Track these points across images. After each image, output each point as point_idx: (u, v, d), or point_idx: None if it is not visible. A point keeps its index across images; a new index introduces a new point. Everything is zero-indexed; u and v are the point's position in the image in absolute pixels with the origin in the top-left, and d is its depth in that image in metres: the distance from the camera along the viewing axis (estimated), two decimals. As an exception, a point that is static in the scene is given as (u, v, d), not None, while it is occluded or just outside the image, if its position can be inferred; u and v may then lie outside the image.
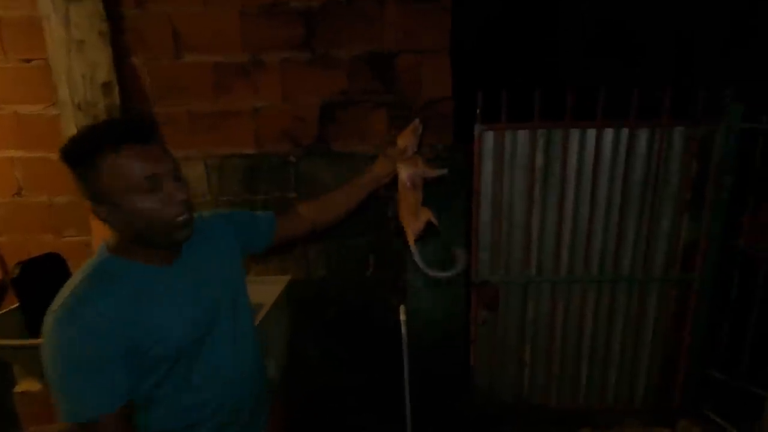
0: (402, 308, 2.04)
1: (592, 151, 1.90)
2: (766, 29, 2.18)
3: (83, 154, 0.77)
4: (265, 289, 1.84)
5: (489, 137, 1.91)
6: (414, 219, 1.24)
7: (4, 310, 1.71)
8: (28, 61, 1.86)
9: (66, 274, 1.84)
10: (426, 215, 1.25)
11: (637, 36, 2.41)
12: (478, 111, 1.86)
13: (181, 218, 0.83)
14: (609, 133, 1.89)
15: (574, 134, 1.90)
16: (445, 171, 1.22)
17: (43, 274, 1.74)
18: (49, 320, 0.78)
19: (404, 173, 1.22)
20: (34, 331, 1.60)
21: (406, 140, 1.21)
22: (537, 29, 2.50)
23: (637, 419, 2.20)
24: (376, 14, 1.80)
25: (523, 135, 1.91)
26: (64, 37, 1.79)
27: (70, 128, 1.87)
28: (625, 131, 1.88)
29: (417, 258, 1.30)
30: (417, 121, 1.21)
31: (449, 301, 2.05)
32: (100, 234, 1.95)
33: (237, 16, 1.80)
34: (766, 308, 1.92)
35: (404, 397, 2.12)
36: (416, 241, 1.28)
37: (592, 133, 1.89)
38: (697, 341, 2.09)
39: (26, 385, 1.82)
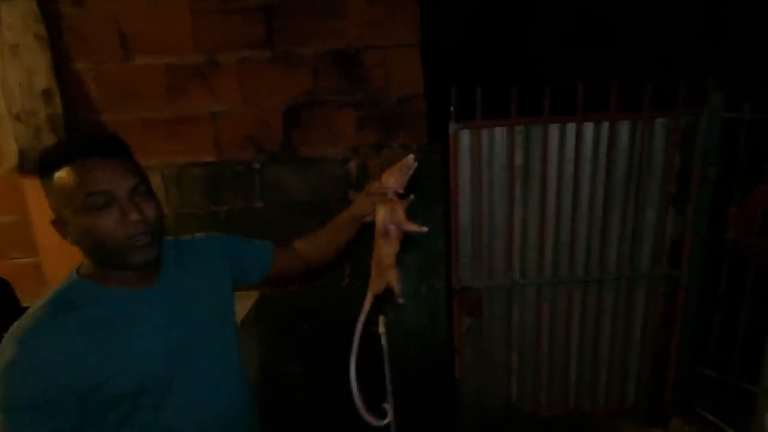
0: (381, 319, 1.93)
1: (573, 147, 1.82)
2: (743, 16, 2.14)
3: (44, 167, 0.75)
4: (232, 308, 1.70)
5: (465, 136, 1.81)
6: (377, 274, 0.99)
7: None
8: (-42, 68, 1.69)
9: (11, 298, 1.68)
10: (388, 276, 0.97)
11: (615, 27, 2.34)
12: (452, 108, 1.75)
13: (135, 240, 0.76)
14: (589, 128, 1.81)
15: (554, 130, 1.81)
16: (425, 229, 0.94)
17: (-16, 300, 1.58)
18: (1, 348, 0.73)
19: (380, 217, 0.97)
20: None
21: (389, 177, 0.96)
22: (512, 22, 2.41)
23: (629, 420, 2.14)
24: (339, 8, 1.68)
25: (500, 132, 1.81)
26: (-4, 41, 1.63)
27: (8, 141, 1.71)
28: (605, 125, 1.81)
29: (357, 333, 1.08)
30: (411, 158, 0.95)
31: (430, 310, 1.95)
32: (48, 255, 1.79)
33: (188, 14, 1.66)
34: (755, 303, 1.87)
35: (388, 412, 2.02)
36: (379, 308, 1.04)
37: (571, 128, 1.80)
38: (687, 338, 2.02)
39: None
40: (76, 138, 0.78)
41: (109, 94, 1.70)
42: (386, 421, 1.05)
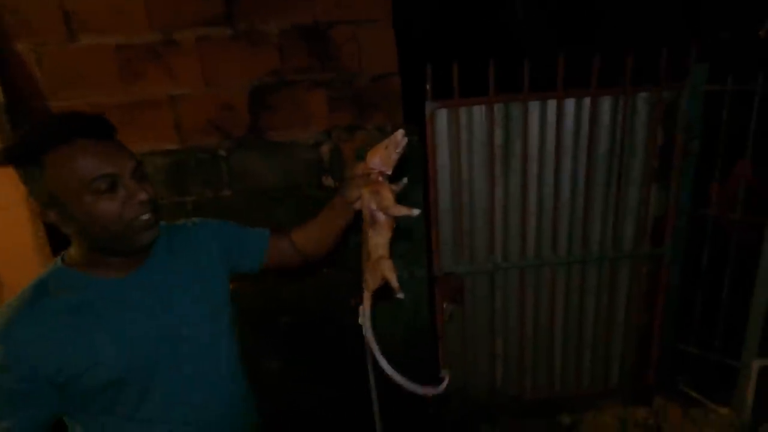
0: (361, 309, 1.87)
1: (554, 124, 1.75)
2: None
3: (30, 151, 0.71)
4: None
5: (442, 115, 1.73)
6: (369, 270, 0.86)
7: None
8: None
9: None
10: (382, 269, 0.84)
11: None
12: (428, 87, 1.67)
13: (143, 218, 0.76)
14: (570, 104, 1.74)
15: (534, 107, 1.74)
16: (416, 212, 0.80)
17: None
18: None
19: (365, 203, 0.84)
20: None
21: (374, 156, 0.84)
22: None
23: (614, 400, 2.13)
24: (304, -20, 1.56)
25: (479, 111, 1.73)
26: (-77, 21, 1.48)
27: (-53, 132, 1.57)
28: (587, 101, 1.74)
29: (368, 337, 0.93)
30: (400, 133, 0.82)
31: (412, 299, 1.88)
32: (2, 255, 1.66)
33: (139, -12, 1.52)
34: (737, 279, 1.85)
35: (373, 409, 1.97)
36: (372, 307, 0.92)
37: (552, 104, 1.73)
38: (670, 316, 2.01)
39: None
40: (66, 118, 0.74)
41: (55, 78, 1.56)
42: (445, 384, 0.92)
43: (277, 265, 1.07)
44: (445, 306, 1.91)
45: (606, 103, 1.75)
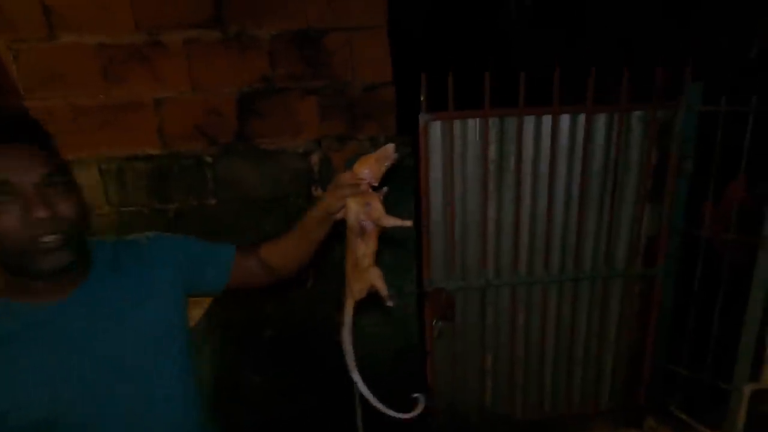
0: (344, 318, 1.81)
1: (549, 140, 1.73)
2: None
3: None
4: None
5: (436, 127, 1.69)
6: (356, 278, 0.86)
7: None
8: None
9: None
10: (371, 277, 0.85)
11: (590, 12, 2.26)
12: (422, 98, 1.63)
13: (42, 240, 0.64)
14: (566, 120, 1.72)
15: (529, 122, 1.71)
16: (408, 223, 0.82)
17: None
18: None
19: (352, 213, 0.83)
20: None
21: (363, 166, 0.82)
22: (481, 7, 2.30)
23: (604, 421, 2.09)
24: (297, -15, 1.52)
25: (473, 124, 1.70)
26: None
27: None
28: (582, 117, 1.72)
29: (346, 347, 0.90)
30: (391, 147, 0.83)
31: (400, 314, 1.83)
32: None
33: (125, -14, 1.46)
34: (730, 300, 1.83)
35: (357, 422, 1.90)
36: (354, 316, 0.90)
37: (548, 119, 1.71)
38: (661, 336, 1.99)
39: None
40: None
41: (33, 77, 1.49)
42: (418, 410, 0.90)
43: (241, 284, 0.96)
44: (434, 322, 1.86)
45: (601, 120, 1.73)
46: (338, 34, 1.58)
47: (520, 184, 1.76)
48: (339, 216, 0.86)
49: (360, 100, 1.65)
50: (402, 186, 1.70)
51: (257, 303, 1.79)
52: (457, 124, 1.69)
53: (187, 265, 0.88)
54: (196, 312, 1.60)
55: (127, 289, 0.78)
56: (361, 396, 1.65)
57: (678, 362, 2.01)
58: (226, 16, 1.53)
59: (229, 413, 1.85)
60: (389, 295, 0.86)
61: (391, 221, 0.82)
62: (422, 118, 1.65)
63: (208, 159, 1.64)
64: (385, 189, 0.84)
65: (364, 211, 0.82)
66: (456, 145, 1.71)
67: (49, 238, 0.64)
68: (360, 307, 1.69)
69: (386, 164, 0.83)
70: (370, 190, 0.83)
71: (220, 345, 1.78)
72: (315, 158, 1.68)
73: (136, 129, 1.58)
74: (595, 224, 1.84)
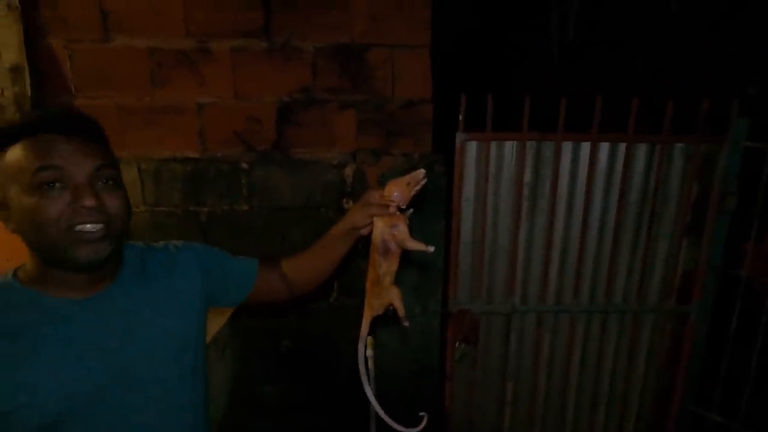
0: (369, 341, 1.78)
1: (586, 167, 1.70)
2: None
3: (1, 140, 0.65)
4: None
5: (472, 148, 1.68)
6: (375, 295, 0.88)
7: None
8: None
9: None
10: (390, 296, 0.88)
11: (634, 40, 2.24)
12: (460, 118, 1.62)
13: (84, 228, 0.64)
14: (605, 148, 1.69)
15: (567, 147, 1.69)
16: (431, 249, 0.83)
17: None
18: None
19: (378, 232, 0.86)
20: None
21: (394, 188, 0.85)
22: (522, 32, 2.30)
23: (625, 462, 2.00)
24: (345, 1, 1.55)
25: (510, 146, 1.68)
26: (-38, 9, 1.47)
27: (-31, 119, 1.54)
28: (621, 146, 1.69)
29: (360, 359, 0.92)
30: (422, 172, 0.85)
31: (423, 333, 1.80)
32: (7, 246, 1.61)
33: (180, -6, 1.51)
34: (767, 344, 1.75)
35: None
36: (371, 330, 0.92)
37: (586, 146, 1.68)
38: (692, 378, 1.90)
39: None
40: (37, 112, 0.70)
41: (84, 76, 1.54)
42: (421, 426, 0.92)
43: (262, 299, 0.98)
44: (457, 344, 1.82)
45: (641, 151, 1.70)
46: (381, 50, 1.59)
47: (554, 210, 1.73)
48: (364, 232, 0.89)
49: (397, 116, 1.66)
50: (434, 204, 1.69)
51: (278, 313, 1.78)
52: (493, 146, 1.67)
53: (211, 277, 0.89)
54: (219, 319, 1.60)
55: (151, 296, 0.78)
56: (377, 413, 1.62)
57: (708, 406, 1.91)
58: (273, 27, 1.56)
59: (241, 422, 1.83)
60: (405, 317, 0.89)
61: (415, 245, 0.84)
62: (459, 137, 1.64)
63: (244, 165, 1.66)
64: (410, 211, 0.87)
65: (389, 231, 0.85)
66: (491, 166, 1.69)
67: (91, 227, 0.65)
68: (381, 323, 1.67)
69: (416, 188, 0.85)
70: (398, 212, 0.86)
71: (239, 353, 1.78)
72: (348, 171, 1.68)
73: (178, 132, 1.61)
74: (629, 256, 1.79)
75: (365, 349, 0.94)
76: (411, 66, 1.61)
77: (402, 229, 0.84)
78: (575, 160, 1.70)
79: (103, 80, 1.54)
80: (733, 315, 1.80)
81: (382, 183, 1.64)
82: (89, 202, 0.64)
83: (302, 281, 0.97)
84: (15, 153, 0.64)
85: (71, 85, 1.54)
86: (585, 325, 1.86)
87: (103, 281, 0.73)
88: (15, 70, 1.50)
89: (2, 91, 1.51)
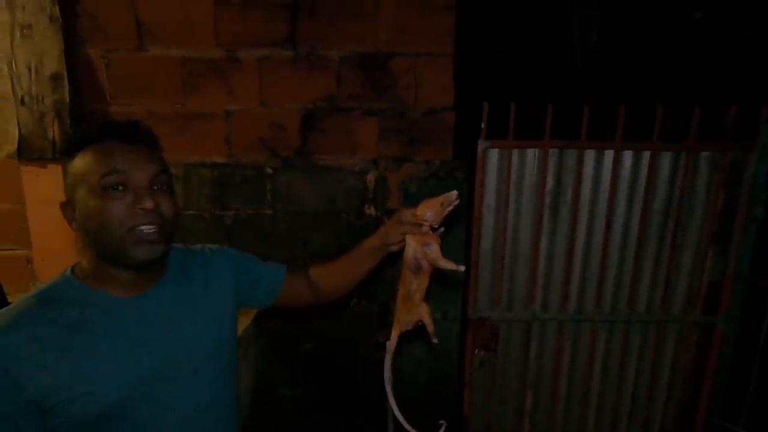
0: (388, 346, 1.79)
1: (609, 176, 1.69)
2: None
3: (69, 148, 0.73)
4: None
5: (494, 155, 1.68)
6: (405, 311, 0.91)
7: None
8: (-36, 46, 1.61)
9: (-2, 295, 1.57)
10: (420, 312, 0.90)
11: (659, 46, 2.22)
12: (483, 125, 1.64)
13: (143, 228, 0.70)
14: (628, 156, 1.68)
15: (590, 156, 1.68)
16: (462, 269, 0.86)
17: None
18: None
19: (410, 250, 0.88)
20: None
21: (428, 209, 0.87)
22: (544, 39, 2.30)
23: (648, 476, 1.95)
24: (370, 10, 1.58)
25: (532, 154, 1.69)
26: (7, 20, 1.55)
27: (11, 125, 1.62)
28: (645, 154, 1.67)
29: (387, 373, 0.95)
30: (455, 194, 0.87)
31: (442, 341, 1.79)
32: (42, 249, 1.68)
33: (211, 6, 1.56)
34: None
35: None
36: (398, 345, 0.94)
37: (609, 155, 1.67)
38: (718, 391, 1.86)
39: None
40: (104, 121, 0.78)
41: (120, 84, 1.60)
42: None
43: (288, 303, 1.02)
44: (476, 351, 1.82)
45: (666, 159, 1.68)
46: (404, 59, 1.62)
47: (576, 218, 1.72)
48: (394, 248, 0.92)
49: (419, 123, 1.68)
50: (455, 212, 1.69)
51: (300, 317, 1.81)
52: (515, 153, 1.68)
53: (242, 281, 0.93)
54: (243, 320, 1.63)
55: (190, 297, 0.82)
56: (394, 419, 1.63)
57: (735, 420, 1.87)
58: (299, 37, 1.60)
59: (260, 422, 1.85)
60: (434, 333, 0.90)
61: (447, 264, 0.86)
62: (481, 145, 1.65)
63: (269, 171, 1.70)
64: (442, 230, 0.88)
65: (422, 250, 0.87)
66: (513, 173, 1.69)
67: (149, 228, 0.70)
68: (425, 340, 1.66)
69: (449, 209, 0.87)
70: (430, 231, 0.87)
71: (261, 354, 1.81)
72: (370, 177, 1.71)
73: (206, 138, 1.66)
74: (652, 265, 1.76)
75: (391, 362, 0.95)
76: (434, 74, 1.64)
77: (434, 248, 0.86)
78: (598, 168, 1.69)
79: (138, 88, 1.61)
80: (762, 326, 1.76)
81: (405, 190, 1.67)
82: (149, 204, 0.69)
83: (328, 290, 1.01)
84: (84, 158, 0.70)
85: (107, 92, 1.61)
86: (607, 335, 1.83)
87: (150, 281, 0.78)
88: (55, 78, 1.58)
89: (43, 98, 1.59)
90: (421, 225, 0.86)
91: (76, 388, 0.67)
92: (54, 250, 1.67)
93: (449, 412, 1.89)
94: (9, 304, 1.66)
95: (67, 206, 0.73)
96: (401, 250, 0.90)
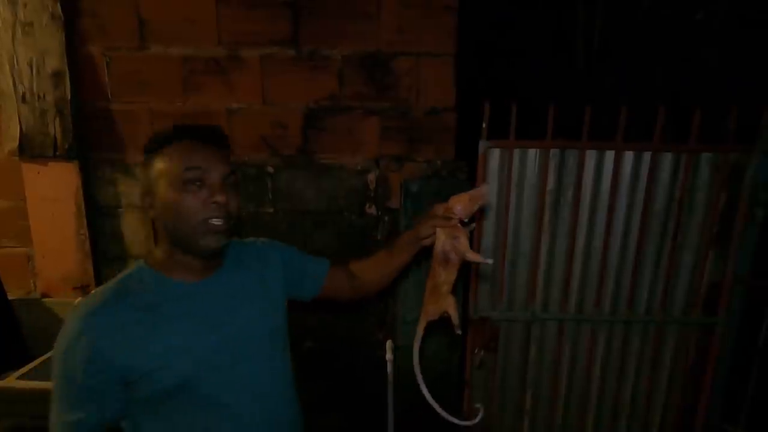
0: (389, 344, 1.79)
1: (610, 176, 1.69)
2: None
3: (152, 145, 0.80)
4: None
5: (495, 155, 1.68)
6: (432, 301, 0.95)
7: None
8: (-34, 43, 1.61)
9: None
10: (446, 304, 0.94)
11: (660, 47, 2.22)
12: (484, 125, 1.64)
13: (214, 221, 0.79)
14: (629, 157, 1.68)
15: (591, 156, 1.68)
16: (490, 261, 0.92)
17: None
18: (68, 318, 0.76)
19: (440, 243, 0.93)
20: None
21: (457, 203, 0.91)
22: (549, 39, 2.30)
23: (647, 477, 1.96)
24: (372, 10, 1.58)
25: (533, 154, 1.69)
26: (9, 18, 1.55)
27: (12, 122, 1.62)
28: (647, 155, 1.68)
29: (416, 360, 1.02)
30: (485, 188, 0.92)
31: (442, 339, 1.80)
32: (42, 246, 1.68)
33: (213, 5, 1.56)
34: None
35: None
36: (425, 332, 0.99)
37: (610, 155, 1.67)
38: (718, 392, 1.86)
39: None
40: (185, 124, 0.84)
41: (121, 82, 1.60)
42: (479, 417, 1.05)
43: (328, 296, 1.10)
44: (476, 351, 1.82)
45: (667, 160, 1.68)
46: (407, 59, 1.62)
47: (577, 218, 1.72)
48: (427, 242, 0.96)
49: (421, 123, 1.68)
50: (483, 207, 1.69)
51: (302, 314, 1.81)
52: (516, 153, 1.68)
53: (290, 271, 1.02)
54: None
55: (247, 283, 0.91)
56: (395, 421, 1.63)
57: (735, 422, 1.87)
58: (301, 36, 1.60)
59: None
60: (459, 325, 0.96)
61: (474, 257, 0.90)
62: (482, 145, 1.65)
63: (270, 169, 1.70)
64: (472, 225, 0.92)
65: (450, 242, 0.91)
66: (514, 173, 1.69)
67: (219, 221, 0.79)
68: (402, 328, 1.68)
69: (479, 203, 0.90)
70: (459, 225, 0.91)
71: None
72: (372, 177, 1.71)
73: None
74: (652, 266, 1.76)
75: (418, 350, 1.01)
76: (436, 74, 1.64)
77: (463, 241, 0.90)
78: (599, 169, 1.69)
79: (139, 86, 1.61)
80: (762, 328, 1.76)
81: (406, 189, 1.67)
82: (221, 199, 0.78)
83: (366, 283, 1.09)
84: (168, 154, 0.79)
85: (108, 90, 1.61)
86: (607, 335, 1.83)
87: (211, 268, 0.87)
88: (56, 76, 1.58)
89: (44, 96, 1.59)
90: (450, 218, 0.90)
91: (155, 362, 0.76)
92: (55, 247, 1.67)
93: (449, 411, 1.89)
94: (9, 302, 1.66)
95: (147, 196, 0.81)
96: (432, 246, 0.94)
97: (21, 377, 1.30)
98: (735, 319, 1.79)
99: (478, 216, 0.91)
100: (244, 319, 0.87)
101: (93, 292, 0.80)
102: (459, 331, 0.95)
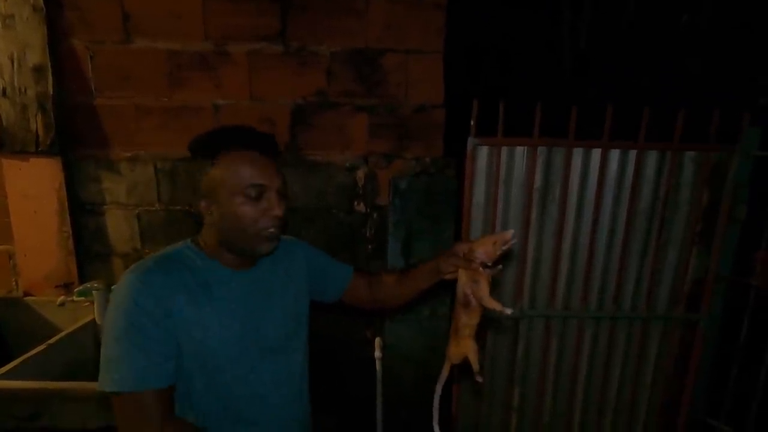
0: (378, 342, 1.79)
1: (596, 174, 1.71)
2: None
3: (211, 146, 0.83)
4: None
5: (483, 153, 1.69)
6: (455, 344, 0.92)
7: None
8: (-56, 35, 1.57)
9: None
10: (466, 348, 0.91)
11: (647, 49, 2.25)
12: (472, 123, 1.64)
13: (270, 230, 0.84)
14: (615, 155, 1.70)
15: (578, 154, 1.70)
16: (509, 311, 0.86)
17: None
18: (122, 279, 0.79)
19: (461, 285, 0.90)
20: None
21: (480, 246, 0.88)
22: (537, 38, 2.32)
23: (632, 471, 1.98)
24: (361, 6, 1.58)
25: (521, 152, 1.70)
26: (-11, 10, 1.51)
27: (-8, 117, 1.58)
28: (632, 153, 1.70)
29: (435, 403, 1.00)
30: (510, 233, 0.88)
31: (430, 337, 1.81)
32: (23, 243, 1.65)
33: (199, -1, 1.55)
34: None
35: (377, 443, 1.86)
36: (380, 332, 0.98)
37: (596, 153, 1.69)
38: (701, 387, 1.89)
39: None
40: (245, 130, 0.85)
41: (105, 76, 1.58)
42: None
43: (349, 302, 1.14)
44: (464, 348, 1.82)
45: (652, 158, 1.70)
46: (395, 56, 1.62)
47: (564, 216, 1.74)
48: (448, 277, 0.96)
49: (410, 120, 1.68)
50: (444, 208, 1.70)
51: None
52: (504, 151, 1.69)
53: (314, 270, 1.06)
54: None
55: (278, 275, 0.96)
56: (384, 419, 1.63)
57: (718, 416, 1.90)
58: (290, 32, 1.59)
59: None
60: (479, 373, 0.92)
61: (492, 304, 0.87)
62: (471, 142, 1.66)
63: (258, 166, 1.68)
64: (498, 268, 0.89)
65: (471, 286, 0.88)
66: (502, 171, 1.70)
67: (273, 231, 0.85)
68: (390, 323, 1.67)
69: (503, 248, 0.88)
70: (481, 269, 0.88)
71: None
72: (360, 173, 1.70)
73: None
74: (638, 263, 1.79)
75: (441, 389, 1.00)
76: (424, 71, 1.64)
77: (482, 286, 0.87)
78: (585, 167, 1.71)
79: (123, 80, 1.58)
80: (743, 324, 1.80)
81: (395, 186, 1.67)
82: (279, 212, 0.84)
83: (384, 297, 1.12)
84: (227, 164, 0.81)
85: (92, 85, 1.58)
86: (593, 331, 1.86)
87: (251, 262, 0.92)
88: (38, 70, 1.55)
89: (25, 90, 1.55)
90: (471, 261, 0.88)
91: (196, 331, 0.81)
92: (37, 245, 1.64)
93: (438, 408, 1.89)
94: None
95: (204, 200, 0.84)
96: (455, 280, 0.92)
97: (2, 377, 1.27)
98: (717, 316, 1.82)
99: (501, 260, 0.89)
100: (275, 309, 0.92)
101: (140, 261, 0.82)
102: (479, 379, 0.91)
